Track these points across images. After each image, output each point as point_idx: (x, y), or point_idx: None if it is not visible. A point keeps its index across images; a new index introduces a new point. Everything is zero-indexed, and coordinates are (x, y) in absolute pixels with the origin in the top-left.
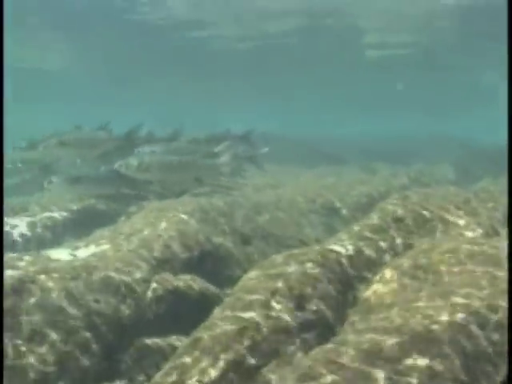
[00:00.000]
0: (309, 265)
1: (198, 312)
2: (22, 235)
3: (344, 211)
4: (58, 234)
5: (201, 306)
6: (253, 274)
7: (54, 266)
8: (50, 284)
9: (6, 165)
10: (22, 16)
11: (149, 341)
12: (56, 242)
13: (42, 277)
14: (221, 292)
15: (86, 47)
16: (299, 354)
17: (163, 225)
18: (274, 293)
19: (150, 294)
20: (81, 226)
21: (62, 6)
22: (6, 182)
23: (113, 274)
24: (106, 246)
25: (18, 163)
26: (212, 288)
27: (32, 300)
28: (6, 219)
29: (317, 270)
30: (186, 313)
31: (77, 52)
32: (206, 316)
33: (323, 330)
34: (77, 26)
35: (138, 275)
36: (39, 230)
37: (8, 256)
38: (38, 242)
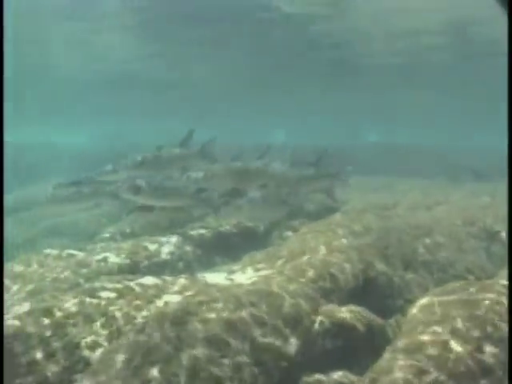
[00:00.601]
0: (487, 302)
1: (365, 345)
2: (171, 253)
3: (503, 235)
4: (207, 252)
5: (367, 339)
6: (423, 307)
7: (215, 295)
8: (213, 315)
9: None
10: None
11: (315, 377)
12: (206, 262)
13: (204, 307)
14: (386, 323)
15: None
16: None
17: (323, 249)
18: (452, 333)
19: (316, 326)
20: (229, 245)
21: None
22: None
23: (279, 305)
24: (264, 272)
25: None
26: (377, 319)
27: (194, 332)
28: (154, 237)
29: (496, 309)
30: (352, 346)
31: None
32: (372, 350)
33: (503, 374)
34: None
35: (304, 306)
36: (188, 248)
37: (161, 278)
38: (187, 261)
